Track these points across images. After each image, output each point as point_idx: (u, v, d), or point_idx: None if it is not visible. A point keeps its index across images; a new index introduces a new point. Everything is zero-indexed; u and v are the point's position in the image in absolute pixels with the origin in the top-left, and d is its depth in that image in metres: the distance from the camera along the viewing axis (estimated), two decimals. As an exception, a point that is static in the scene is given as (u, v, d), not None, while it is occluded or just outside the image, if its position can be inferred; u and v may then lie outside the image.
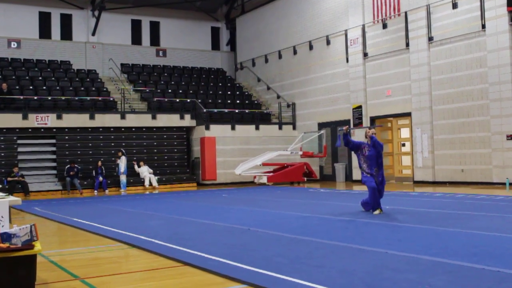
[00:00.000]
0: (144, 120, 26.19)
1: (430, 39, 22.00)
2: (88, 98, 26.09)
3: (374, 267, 6.19)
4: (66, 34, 31.39)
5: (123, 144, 25.67)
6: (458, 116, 21.04)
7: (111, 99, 26.74)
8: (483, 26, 20.15)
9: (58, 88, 26.72)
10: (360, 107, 24.98)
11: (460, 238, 8.12)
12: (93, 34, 31.46)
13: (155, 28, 33.90)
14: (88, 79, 28.83)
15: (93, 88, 27.59)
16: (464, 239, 7.97)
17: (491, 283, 5.30)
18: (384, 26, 24.02)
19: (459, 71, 20.97)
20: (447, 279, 5.49)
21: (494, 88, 19.68)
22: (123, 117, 25.61)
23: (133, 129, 26.19)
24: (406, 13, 22.88)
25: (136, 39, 33.30)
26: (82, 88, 27.20)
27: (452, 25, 21.28)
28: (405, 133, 25.04)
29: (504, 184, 19.05)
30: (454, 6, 21.19)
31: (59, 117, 24.26)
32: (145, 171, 25.07)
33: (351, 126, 25.23)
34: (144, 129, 26.42)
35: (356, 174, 25.06)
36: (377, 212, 11.37)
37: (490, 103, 19.86)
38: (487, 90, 20.02)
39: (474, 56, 20.52)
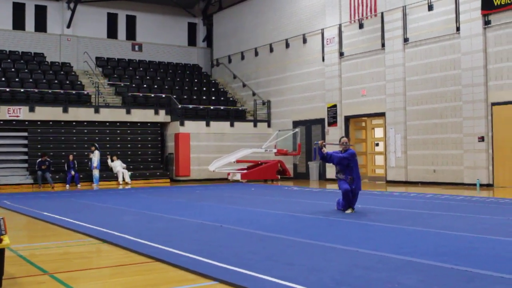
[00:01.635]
0: (118, 115, 25.99)
1: (406, 40, 22.19)
2: (62, 91, 25.81)
3: (345, 265, 6.22)
4: (41, 26, 31.00)
5: (97, 138, 25.45)
6: (431, 117, 21.26)
7: (85, 92, 26.48)
8: (458, 29, 20.38)
9: (31, 80, 26.38)
10: (335, 106, 25.10)
11: (430, 237, 8.20)
12: (68, 26, 31.11)
13: (131, 22, 33.65)
14: (62, 72, 28.51)
15: (67, 81, 27.30)
16: (434, 239, 8.05)
17: (459, 282, 5.36)
18: (361, 26, 24.16)
19: (433, 73, 21.18)
20: (417, 278, 5.54)
21: (467, 90, 19.92)
22: (97, 111, 25.38)
23: (107, 124, 25.98)
24: (382, 13, 23.04)
25: (112, 32, 33.02)
26: (56, 81, 26.90)
27: (428, 27, 21.49)
28: (379, 133, 25.24)
29: (475, 185, 19.33)
30: (430, 8, 21.39)
31: (31, 109, 23.97)
32: (118, 166, 24.89)
33: (326, 125, 25.37)
34: (118, 123, 26.22)
35: (330, 173, 25.19)
36: (349, 211, 11.45)
37: (463, 105, 20.10)
38: (460, 92, 20.26)
39: (448, 58, 20.74)
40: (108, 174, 24.86)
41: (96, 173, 23.92)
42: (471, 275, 5.65)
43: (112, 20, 33.01)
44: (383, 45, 23.07)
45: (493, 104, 19.39)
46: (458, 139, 20.38)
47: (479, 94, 19.59)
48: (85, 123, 25.46)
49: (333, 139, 24.64)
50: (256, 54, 30.62)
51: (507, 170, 19.03)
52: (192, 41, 35.92)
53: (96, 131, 25.77)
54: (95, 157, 23.80)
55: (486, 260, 6.39)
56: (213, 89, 31.54)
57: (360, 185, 11.74)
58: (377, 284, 5.34)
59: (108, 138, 26.01)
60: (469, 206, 12.98)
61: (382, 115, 23.37)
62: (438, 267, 6.04)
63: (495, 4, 19.20)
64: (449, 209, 12.27)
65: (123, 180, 24.68)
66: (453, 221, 10.05)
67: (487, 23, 19.57)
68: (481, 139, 19.54)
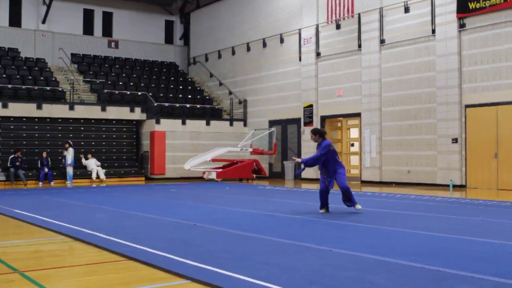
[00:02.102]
0: (93, 112, 25.78)
1: (382, 41, 22.35)
2: (36, 87, 25.53)
3: (317, 264, 6.25)
4: (15, 20, 30.62)
5: (71, 135, 25.23)
6: (406, 118, 21.45)
7: (60, 89, 26.22)
8: (433, 31, 20.59)
9: (4, 76, 26.03)
10: (311, 106, 25.19)
11: (402, 237, 8.28)
12: (43, 22, 30.77)
13: (107, 18, 33.39)
14: (36, 68, 28.18)
15: (42, 77, 27.01)
16: (405, 239, 8.13)
17: (430, 282, 5.42)
18: (338, 26, 24.27)
19: (409, 74, 21.37)
20: (388, 277, 5.59)
21: (442, 92, 20.13)
22: (71, 108, 25.16)
23: (82, 121, 25.77)
24: (359, 14, 23.18)
25: (88, 29, 32.73)
26: (30, 77, 26.59)
27: (404, 28, 21.67)
28: (354, 133, 25.40)
29: (448, 185, 19.55)
30: (406, 10, 21.57)
31: (4, 105, 23.68)
32: (92, 164, 24.70)
33: (302, 124, 25.45)
34: (93, 121, 26.02)
35: (305, 172, 25.26)
36: (322, 211, 11.50)
37: (437, 106, 20.31)
38: (434, 94, 20.47)
39: (423, 60, 20.95)
40: (82, 171, 24.64)
41: (70, 170, 23.71)
42: (442, 274, 5.72)
43: (88, 17, 32.72)
44: (359, 46, 23.21)
45: (467, 106, 19.63)
46: (432, 141, 20.59)
47: (453, 96, 19.81)
48: (60, 120, 25.22)
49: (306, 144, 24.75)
50: (233, 53, 30.60)
51: (480, 172, 19.29)
52: (169, 39, 35.77)
53: (71, 128, 25.54)
54: (69, 154, 23.58)
55: (456, 260, 6.47)
56: (189, 88, 31.45)
57: (332, 182, 11.36)
58: (349, 283, 5.37)
59: (82, 136, 25.80)
60: (442, 206, 13.12)
61: (357, 115, 23.52)
62: (409, 266, 6.10)
63: (470, 7, 19.44)
64: (422, 209, 12.39)
65: (98, 177, 24.49)
66: (426, 221, 10.15)
67: (462, 26, 19.80)
68: (455, 140, 19.77)
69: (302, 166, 11.80)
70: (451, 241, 7.89)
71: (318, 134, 11.45)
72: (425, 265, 6.10)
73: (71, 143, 23.96)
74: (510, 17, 18.54)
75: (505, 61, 18.60)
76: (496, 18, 18.90)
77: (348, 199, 11.29)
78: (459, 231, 8.80)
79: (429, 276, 5.65)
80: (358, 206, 11.31)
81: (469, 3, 19.47)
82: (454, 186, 19.51)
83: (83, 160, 24.64)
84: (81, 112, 25.46)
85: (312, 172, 24.89)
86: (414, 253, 6.87)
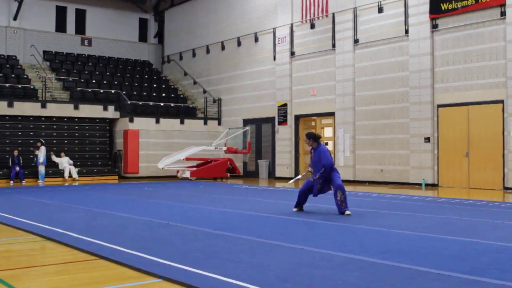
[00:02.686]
0: (65, 110, 25.50)
1: (356, 41, 22.49)
2: (7, 85, 25.15)
3: (290, 263, 6.26)
4: (-14, 17, 30.17)
5: (43, 134, 24.96)
6: (379, 117, 21.61)
7: (32, 87, 25.88)
8: (407, 32, 20.77)
9: (-25, 73, 25.67)
10: (285, 105, 25.25)
11: (374, 235, 8.34)
12: (15, 18, 30.33)
13: (81, 16, 33.05)
14: (7, 65, 27.80)
15: (13, 75, 26.64)
16: (377, 237, 8.19)
17: (400, 279, 5.47)
18: (312, 26, 24.36)
19: (382, 74, 21.54)
20: (359, 275, 5.63)
21: (414, 92, 20.33)
22: (43, 106, 24.86)
23: (54, 119, 25.49)
24: (333, 14, 23.29)
25: (61, 26, 32.36)
26: (1, 74, 26.21)
27: (377, 28, 21.83)
28: (328, 132, 25.54)
29: (420, 184, 19.75)
30: (380, 10, 21.72)
31: (-25, 103, 23.34)
32: (65, 162, 24.44)
33: (276, 123, 25.50)
34: (65, 119, 25.76)
35: (279, 171, 25.35)
36: (296, 209, 11.54)
37: (410, 106, 20.50)
38: (407, 94, 20.66)
39: (396, 60, 21.12)
40: (54, 170, 24.38)
41: (42, 169, 23.45)
42: (412, 272, 5.77)
43: (60, 14, 32.34)
44: (333, 45, 23.32)
45: (439, 106, 19.85)
46: (405, 140, 20.78)
47: (425, 96, 20.02)
48: (31, 118, 24.92)
49: (282, 137, 24.86)
50: (208, 51, 30.52)
51: (451, 170, 19.52)
52: (143, 37, 35.56)
53: (43, 126, 25.25)
54: (41, 153, 23.33)
55: (426, 258, 6.53)
56: (163, 86, 31.30)
57: (326, 188, 11.20)
58: (320, 281, 5.40)
59: (55, 134, 25.52)
60: (414, 205, 13.25)
61: (331, 114, 23.63)
62: (380, 264, 6.15)
63: (443, 8, 19.65)
64: (394, 208, 12.50)
65: (70, 176, 24.25)
66: (398, 220, 10.24)
67: (434, 26, 20.01)
68: (427, 140, 19.98)
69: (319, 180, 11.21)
70: (423, 239, 7.97)
71: (313, 139, 11.33)
72: (396, 263, 6.16)
73: (43, 141, 23.70)
74: (481, 18, 18.79)
75: (476, 61, 18.85)
76: (468, 19, 19.14)
77: (343, 200, 10.88)
78: (429, 229, 8.89)
79: (400, 274, 5.70)
80: (348, 212, 10.91)
81: (441, 4, 19.68)
82: (427, 184, 19.72)
83: (54, 158, 24.32)
84: (53, 110, 25.17)
85: (286, 171, 24.98)
86: (385, 251, 6.93)
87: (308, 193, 11.44)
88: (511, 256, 6.71)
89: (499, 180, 18.29)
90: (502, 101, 18.20)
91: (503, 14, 18.19)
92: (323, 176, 11.06)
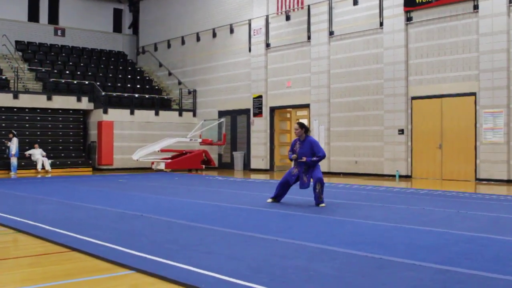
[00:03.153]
0: (38, 101, 25.18)
1: (331, 33, 22.54)
2: (-22, 75, 24.79)
3: (263, 254, 6.26)
4: (-44, 6, 29.62)
5: (15, 125, 24.61)
6: (354, 109, 21.71)
7: (3, 77, 25.49)
8: (381, 24, 20.87)
9: None
10: (260, 96, 25.24)
11: (348, 226, 8.38)
12: (-14, 8, 29.86)
13: (54, 5, 32.60)
14: (-21, 55, 27.37)
15: (-16, 65, 26.24)
16: (351, 228, 8.23)
17: (373, 269, 5.50)
18: (287, 18, 24.35)
19: (357, 66, 21.63)
20: (332, 266, 5.65)
21: (389, 84, 20.45)
22: (15, 97, 24.51)
23: (27, 110, 25.16)
24: (309, 6, 23.31)
25: (33, 16, 31.89)
26: (-28, 65, 25.81)
27: (352, 21, 21.90)
28: (303, 124, 25.50)
29: (394, 176, 19.92)
30: (355, 2, 21.79)
31: None
32: (38, 154, 24.16)
33: (251, 115, 25.49)
34: (38, 110, 25.43)
35: (254, 163, 25.37)
36: (269, 200, 11.56)
37: (385, 98, 20.64)
38: (382, 86, 20.79)
39: (371, 52, 21.22)
40: (27, 162, 24.08)
41: (14, 161, 23.14)
42: (384, 262, 5.81)
43: (33, 3, 31.85)
44: (309, 37, 23.35)
45: (413, 98, 20.01)
46: (379, 132, 20.92)
47: (400, 88, 20.15)
48: (3, 109, 24.56)
49: (257, 130, 24.87)
50: (183, 42, 30.35)
51: (425, 162, 19.71)
52: (117, 28, 35.22)
53: (15, 117, 24.92)
54: (13, 144, 23.01)
55: (399, 248, 6.59)
56: (138, 77, 31.07)
57: (308, 182, 11.21)
58: (293, 272, 5.40)
59: (27, 125, 25.20)
60: (388, 196, 13.36)
61: (306, 106, 23.68)
62: (353, 254, 6.18)
63: (417, 1, 19.78)
64: (368, 199, 12.58)
65: (43, 168, 23.97)
66: (372, 211, 10.31)
67: (409, 19, 20.14)
68: (401, 131, 20.14)
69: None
70: (396, 230, 8.03)
71: (305, 129, 11.39)
72: (369, 254, 6.19)
73: (15, 133, 23.37)
74: (455, 12, 18.96)
75: (449, 54, 19.03)
76: (441, 12, 19.29)
77: (321, 192, 10.94)
78: (402, 220, 8.97)
79: (372, 264, 5.73)
80: (323, 204, 10.98)
81: (415, -3, 19.82)
82: (400, 176, 19.89)
83: (27, 153, 24.06)
84: (26, 101, 24.83)
85: (261, 163, 25.01)
86: (358, 242, 6.97)
87: (287, 185, 11.45)
88: (481, 246, 6.79)
89: (471, 172, 18.52)
90: (474, 94, 18.41)
91: (475, 7, 18.37)
92: (312, 165, 11.09)
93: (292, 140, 25.36)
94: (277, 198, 11.55)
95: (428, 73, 19.58)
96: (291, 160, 11.43)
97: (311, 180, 11.15)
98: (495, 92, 17.79)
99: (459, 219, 9.22)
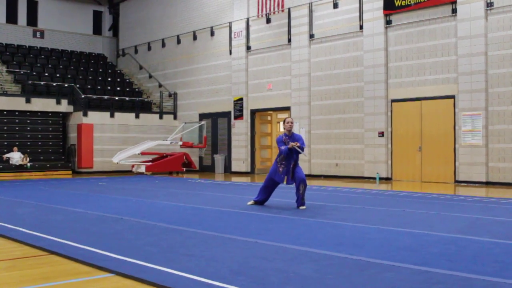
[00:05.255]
0: (17, 104, 24.93)
1: (311, 36, 22.61)
2: (-44, 77, 24.49)
3: (243, 256, 6.25)
4: None
5: (-7, 128, 24.37)
6: (334, 112, 21.80)
7: (-19, 79, 25.26)
8: (361, 27, 20.98)
9: None
10: (241, 99, 25.24)
11: (328, 228, 8.40)
12: (-36, 9, 29.53)
13: (32, 7, 32.32)
14: (-44, 57, 27.04)
15: (-38, 67, 25.94)
16: (332, 230, 8.25)
17: (353, 271, 5.52)
18: (268, 21, 24.38)
19: (337, 69, 21.72)
20: (312, 268, 5.65)
21: (369, 87, 20.56)
22: (-7, 100, 24.28)
23: (5, 113, 24.90)
24: (289, 9, 23.37)
25: (12, 17, 31.58)
26: (-51, 67, 25.50)
27: (332, 24, 21.99)
28: (284, 127, 25.52)
29: (374, 178, 20.01)
30: (335, 6, 21.88)
31: None
32: (17, 157, 23.91)
33: (232, 118, 25.48)
34: (17, 113, 25.17)
35: (235, 166, 25.35)
36: (250, 202, 11.56)
37: (365, 101, 20.74)
38: (362, 89, 20.89)
39: (351, 55, 21.32)
40: (5, 165, 23.81)
41: (-8, 164, 22.90)
42: (365, 264, 5.83)
43: (11, 4, 31.55)
44: (289, 40, 23.40)
45: (393, 100, 20.14)
46: (360, 134, 21.02)
47: (379, 91, 20.27)
48: (-19, 112, 24.32)
49: (236, 131, 24.81)
50: (163, 45, 30.26)
51: (405, 164, 19.84)
52: (97, 30, 35.00)
53: (-7, 120, 24.67)
54: (-9, 147, 22.78)
55: (379, 250, 6.61)
56: (118, 80, 30.91)
57: (291, 179, 11.15)
58: (273, 274, 5.40)
59: (5, 128, 24.93)
60: (368, 198, 13.42)
61: (287, 109, 23.72)
62: (334, 256, 6.19)
63: (396, 5, 19.93)
64: (349, 201, 12.63)
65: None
66: (352, 213, 10.34)
67: (388, 22, 20.27)
68: (381, 134, 20.25)
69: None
70: (376, 231, 8.07)
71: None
72: (349, 255, 6.21)
73: (-7, 135, 23.15)
74: (434, 15, 19.12)
75: (429, 57, 19.18)
76: (421, 15, 19.45)
77: (303, 194, 10.96)
78: (382, 222, 9.02)
79: (352, 266, 5.75)
80: (304, 207, 11.00)
81: (395, 1, 19.96)
82: (381, 178, 20.00)
83: (5, 156, 23.79)
84: (3, 103, 24.57)
85: (242, 165, 24.99)
86: (338, 244, 6.99)
87: (273, 186, 11.42)
88: (460, 247, 6.84)
89: (451, 174, 18.68)
90: (453, 97, 18.58)
91: (454, 11, 18.55)
92: (297, 159, 11.10)
93: (272, 143, 25.46)
94: (261, 202, 11.52)
95: (408, 76, 19.73)
96: (287, 151, 10.97)
97: (295, 180, 11.13)
98: (473, 94, 17.97)
99: (438, 221, 9.28)
